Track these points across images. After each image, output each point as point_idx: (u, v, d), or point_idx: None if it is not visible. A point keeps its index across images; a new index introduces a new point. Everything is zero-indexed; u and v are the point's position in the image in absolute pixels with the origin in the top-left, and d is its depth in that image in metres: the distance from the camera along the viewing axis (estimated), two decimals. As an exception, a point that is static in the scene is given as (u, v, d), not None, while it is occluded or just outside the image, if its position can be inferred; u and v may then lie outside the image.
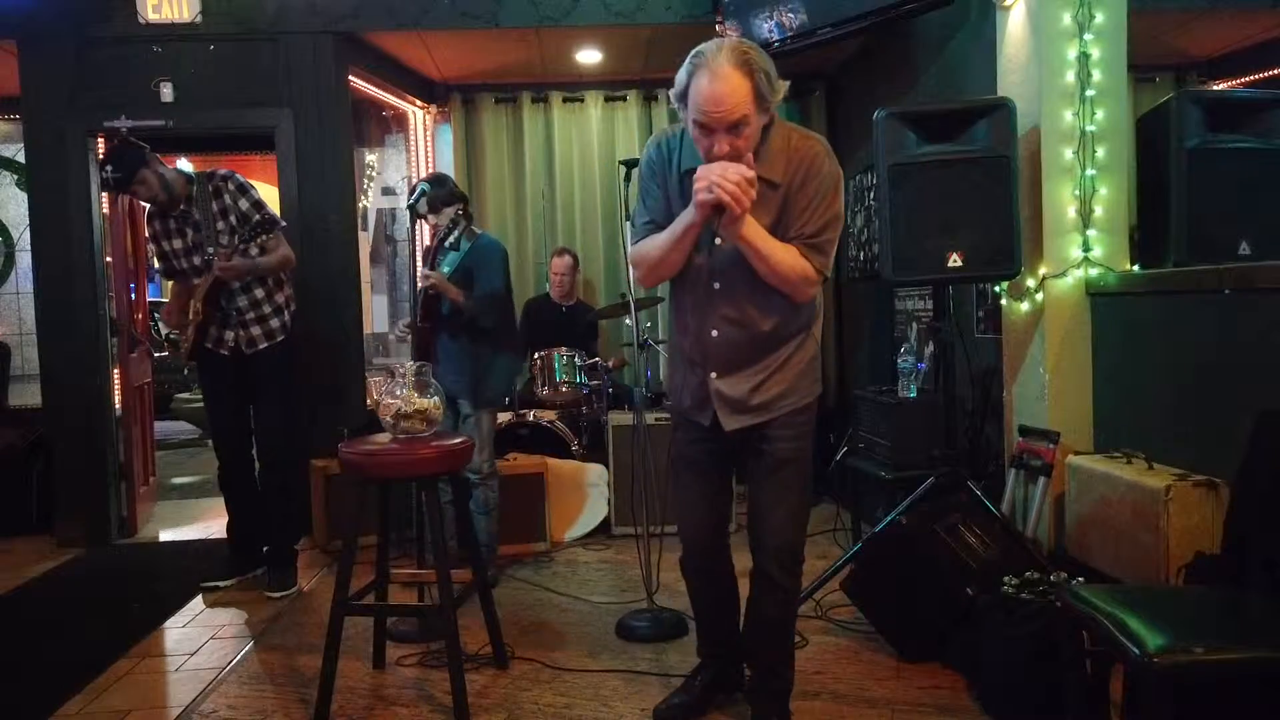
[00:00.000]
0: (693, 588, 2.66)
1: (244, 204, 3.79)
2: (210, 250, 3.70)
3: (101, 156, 3.69)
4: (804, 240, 2.20)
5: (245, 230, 3.68)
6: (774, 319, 2.28)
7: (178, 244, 3.83)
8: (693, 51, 2.11)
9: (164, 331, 4.11)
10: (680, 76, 2.12)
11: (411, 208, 3.68)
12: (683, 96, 2.12)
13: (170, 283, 4.15)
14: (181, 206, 3.78)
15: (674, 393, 2.51)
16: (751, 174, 2.06)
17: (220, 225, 3.76)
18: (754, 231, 2.15)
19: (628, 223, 3.12)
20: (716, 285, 2.28)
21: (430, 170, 5.90)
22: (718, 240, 2.18)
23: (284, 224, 3.93)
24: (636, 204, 2.43)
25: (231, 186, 3.79)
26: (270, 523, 3.96)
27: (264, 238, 3.75)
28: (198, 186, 3.77)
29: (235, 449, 3.96)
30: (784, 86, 2.13)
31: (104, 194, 3.85)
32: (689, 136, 2.21)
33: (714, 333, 2.31)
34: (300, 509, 4.31)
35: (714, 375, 2.33)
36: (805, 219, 2.20)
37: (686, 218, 2.17)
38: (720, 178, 2.02)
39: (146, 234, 3.91)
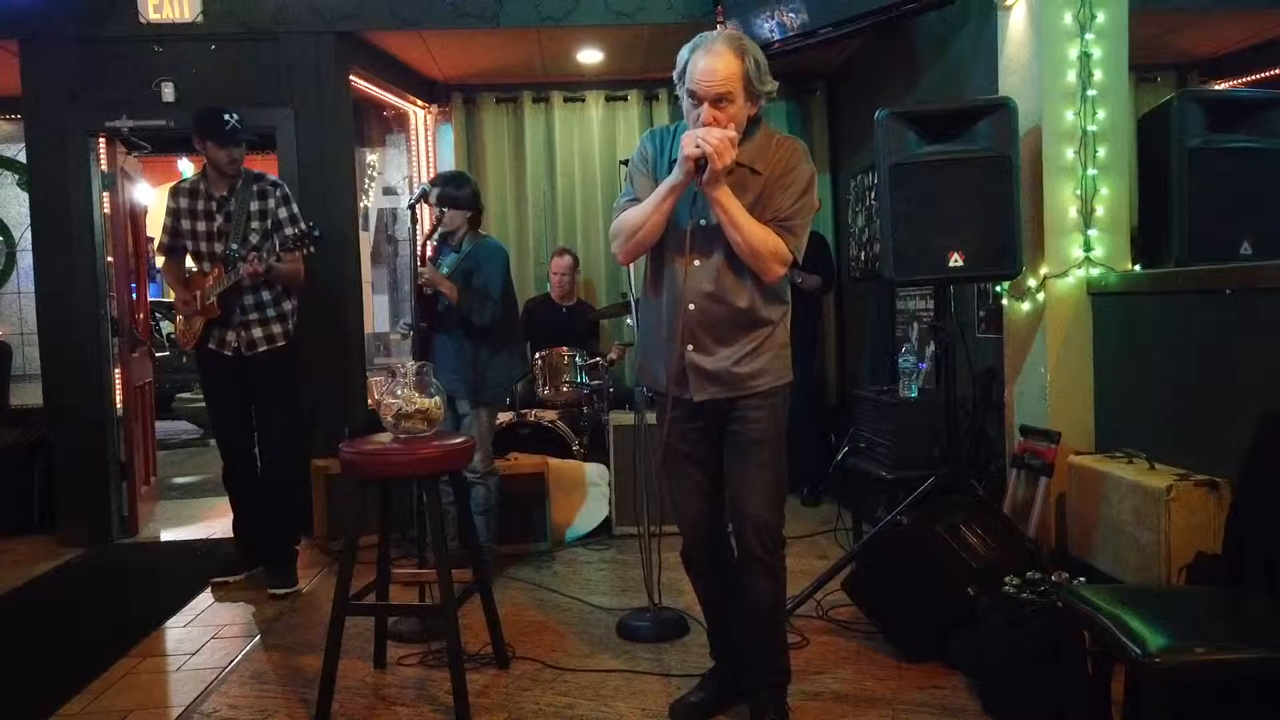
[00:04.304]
0: (699, 589, 2.67)
1: (283, 213, 3.87)
2: (235, 246, 3.75)
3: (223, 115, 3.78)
4: (778, 221, 2.36)
5: (282, 239, 3.72)
6: (748, 297, 2.40)
7: (200, 226, 3.85)
8: (696, 36, 2.35)
9: (165, 331, 4.11)
10: (682, 54, 2.34)
11: (424, 194, 3.63)
12: (682, 74, 2.33)
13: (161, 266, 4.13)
14: (223, 193, 3.84)
15: (649, 374, 2.58)
16: (734, 134, 2.24)
17: (254, 225, 3.83)
18: (731, 199, 2.30)
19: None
20: (697, 262, 2.39)
21: (431, 171, 5.90)
22: (703, 222, 2.36)
23: (312, 250, 3.81)
24: (621, 188, 2.56)
25: (279, 194, 3.90)
26: (272, 523, 3.97)
27: (295, 253, 3.77)
28: (243, 181, 3.86)
29: (238, 446, 3.97)
30: (774, 84, 2.34)
31: (221, 147, 3.69)
32: (682, 130, 2.38)
33: (691, 306, 2.40)
34: (302, 511, 4.32)
35: (690, 348, 2.43)
36: (780, 201, 2.36)
37: (670, 180, 2.33)
38: (705, 134, 2.22)
39: (169, 205, 3.90)
